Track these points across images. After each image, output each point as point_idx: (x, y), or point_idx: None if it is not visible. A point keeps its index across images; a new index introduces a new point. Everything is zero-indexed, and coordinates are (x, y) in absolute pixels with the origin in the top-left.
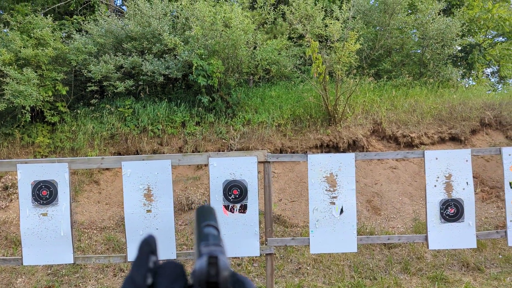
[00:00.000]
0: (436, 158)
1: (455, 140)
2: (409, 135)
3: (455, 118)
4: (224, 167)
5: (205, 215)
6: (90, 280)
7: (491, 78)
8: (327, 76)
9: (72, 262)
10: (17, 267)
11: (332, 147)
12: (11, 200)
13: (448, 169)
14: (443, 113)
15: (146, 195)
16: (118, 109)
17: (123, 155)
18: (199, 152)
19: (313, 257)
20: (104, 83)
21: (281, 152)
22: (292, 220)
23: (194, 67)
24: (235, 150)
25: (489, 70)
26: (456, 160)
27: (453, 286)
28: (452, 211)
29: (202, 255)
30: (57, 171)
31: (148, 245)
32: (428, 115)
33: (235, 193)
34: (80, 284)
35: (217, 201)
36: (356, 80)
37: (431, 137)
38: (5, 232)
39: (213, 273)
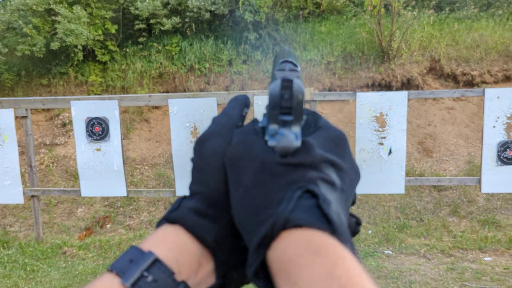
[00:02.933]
0: (498, 97)
1: None
2: (470, 73)
3: None
4: None
5: (284, 55)
6: (143, 212)
7: None
8: (382, 9)
9: (125, 195)
10: (77, 198)
11: (384, 86)
12: (69, 136)
13: (510, 108)
14: (511, 49)
15: (193, 133)
16: (165, 47)
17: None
18: (245, 91)
19: (358, 197)
20: (151, 21)
21: (329, 91)
22: None
23: (240, 1)
24: None
25: None
26: None
27: (505, 230)
28: (510, 153)
29: (276, 79)
30: (108, 108)
31: (245, 99)
32: (493, 50)
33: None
34: (134, 216)
35: None
36: (414, 13)
37: (495, 75)
38: (65, 166)
39: (287, 97)
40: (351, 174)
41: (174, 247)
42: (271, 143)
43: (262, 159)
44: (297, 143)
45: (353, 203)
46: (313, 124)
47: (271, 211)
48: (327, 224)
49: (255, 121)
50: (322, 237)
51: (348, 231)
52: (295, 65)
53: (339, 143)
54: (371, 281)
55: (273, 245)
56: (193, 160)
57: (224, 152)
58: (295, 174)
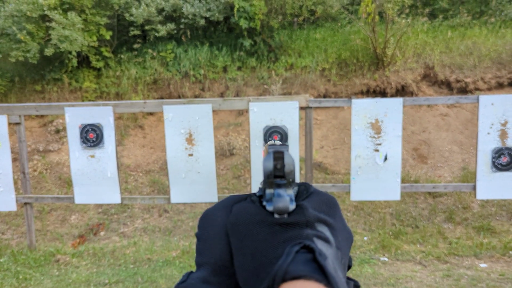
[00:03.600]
0: (492, 104)
1: None
2: (464, 80)
3: None
4: (265, 112)
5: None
6: (137, 219)
7: None
8: (377, 17)
9: (120, 202)
10: (71, 205)
11: (379, 93)
12: (63, 143)
13: (504, 115)
14: (504, 56)
15: (188, 139)
16: (160, 53)
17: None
18: (240, 97)
19: (354, 204)
20: (146, 27)
21: (324, 98)
22: (333, 167)
23: (235, 8)
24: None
25: None
26: None
27: (500, 236)
28: (505, 160)
29: (269, 153)
30: (102, 115)
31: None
32: (486, 58)
33: (275, 139)
34: (128, 223)
35: (257, 147)
36: (408, 20)
37: (488, 82)
38: (59, 173)
39: (279, 166)
40: (344, 233)
41: None
42: (268, 207)
43: (261, 220)
44: (292, 205)
45: (349, 267)
46: (305, 191)
47: (272, 267)
48: (323, 276)
49: (251, 195)
50: None
51: (345, 286)
52: (284, 143)
53: (331, 206)
54: None
55: None
56: (197, 234)
57: (226, 223)
58: (292, 232)
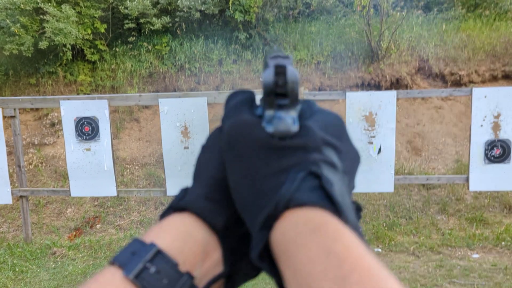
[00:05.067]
0: (485, 96)
1: (509, 78)
2: (458, 73)
3: (511, 54)
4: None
5: (274, 51)
6: (133, 212)
7: None
8: (371, 10)
9: (116, 195)
10: (66, 198)
11: (373, 86)
12: (58, 136)
13: (497, 108)
14: (498, 49)
15: (183, 132)
16: (155, 47)
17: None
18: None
19: None
20: (141, 20)
21: (319, 91)
22: None
23: (230, 1)
24: None
25: None
26: (507, 98)
27: (492, 227)
28: (497, 152)
29: (269, 66)
30: (98, 108)
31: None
32: (480, 51)
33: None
34: (124, 216)
35: None
36: (403, 13)
37: (482, 75)
38: (54, 166)
39: (281, 83)
40: (351, 156)
41: (179, 237)
42: (268, 129)
43: (264, 141)
44: (295, 127)
45: (353, 188)
46: (309, 110)
47: (274, 193)
48: (330, 204)
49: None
50: (323, 216)
51: (353, 212)
52: (287, 57)
53: (337, 126)
54: (370, 255)
55: (276, 226)
56: (203, 144)
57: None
58: (297, 156)
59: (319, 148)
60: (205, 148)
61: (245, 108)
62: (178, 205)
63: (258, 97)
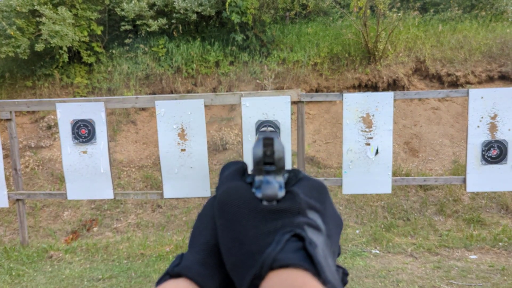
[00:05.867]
0: (482, 97)
1: (505, 79)
2: (454, 74)
3: (507, 55)
4: (257, 107)
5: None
6: (130, 215)
7: None
8: (368, 11)
9: (112, 197)
10: (63, 201)
11: (370, 87)
12: (55, 139)
13: (493, 108)
14: (494, 50)
15: (180, 135)
16: (152, 48)
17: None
18: (233, 92)
19: (346, 198)
20: (138, 22)
21: (316, 92)
22: (326, 161)
23: (227, 3)
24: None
25: None
26: (504, 99)
27: (490, 228)
28: (494, 152)
29: (259, 139)
30: (94, 110)
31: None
32: (476, 52)
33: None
34: (121, 218)
35: (249, 141)
36: (400, 14)
37: (479, 76)
38: (51, 169)
39: (269, 153)
40: (334, 220)
41: None
42: (257, 194)
43: (252, 205)
44: (281, 192)
45: (338, 254)
46: (295, 177)
47: (260, 254)
48: (311, 265)
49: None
50: (304, 277)
51: (335, 274)
52: (275, 130)
53: (321, 191)
54: None
55: (262, 286)
56: (199, 213)
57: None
58: (283, 220)
59: (304, 211)
60: (200, 216)
61: (237, 177)
62: (173, 271)
63: (250, 168)
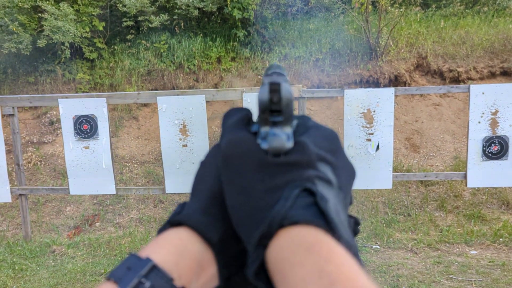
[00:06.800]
0: (483, 93)
1: (507, 74)
2: (456, 70)
3: (509, 50)
4: None
5: (271, 67)
6: (132, 210)
7: None
8: (370, 6)
9: (115, 193)
10: (66, 196)
11: (372, 83)
12: (57, 134)
13: (495, 104)
14: (496, 45)
15: (182, 130)
16: (154, 44)
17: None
18: (234, 88)
19: None
20: (139, 18)
21: (318, 88)
22: None
23: None
24: None
25: None
26: (505, 95)
27: (490, 224)
28: (495, 148)
29: (264, 84)
30: (96, 106)
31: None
32: (478, 47)
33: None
34: (123, 213)
35: None
36: (402, 10)
37: (480, 72)
38: (53, 165)
39: (276, 100)
40: (346, 170)
41: (174, 251)
42: (263, 145)
43: (259, 158)
44: (289, 143)
45: (350, 203)
46: (304, 125)
47: (268, 211)
48: (324, 221)
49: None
50: (317, 235)
51: (347, 229)
52: (282, 74)
53: (332, 141)
54: (363, 275)
55: (271, 244)
56: (201, 160)
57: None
58: (292, 173)
59: (314, 164)
60: (203, 164)
61: (241, 126)
62: (174, 220)
63: (255, 115)
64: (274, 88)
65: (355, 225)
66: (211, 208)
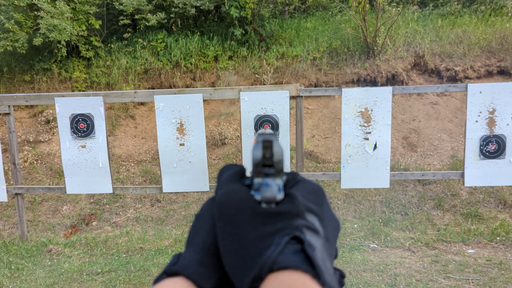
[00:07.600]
0: (480, 92)
1: (504, 73)
2: (453, 69)
3: (506, 49)
4: (256, 102)
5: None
6: (129, 209)
7: None
8: (367, 5)
9: (111, 192)
10: (62, 195)
11: (369, 82)
12: (53, 133)
13: (492, 103)
14: (493, 44)
15: (179, 129)
16: (151, 43)
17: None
18: (232, 87)
19: (344, 192)
20: (136, 16)
21: (315, 87)
22: (324, 156)
23: None
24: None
25: None
26: (502, 94)
27: (487, 223)
28: (492, 147)
29: (258, 142)
30: (93, 105)
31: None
32: (476, 46)
33: (266, 128)
34: (120, 213)
35: (248, 136)
36: (399, 9)
37: (477, 71)
38: (50, 164)
39: (268, 155)
40: (331, 223)
41: None
42: (256, 196)
43: (252, 208)
44: (280, 195)
45: (336, 256)
46: (293, 179)
47: (260, 256)
48: (310, 267)
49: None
50: (304, 279)
51: (333, 277)
52: (274, 135)
53: (318, 194)
54: None
55: (261, 287)
56: (196, 213)
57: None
58: (283, 222)
59: (303, 214)
60: (198, 217)
61: (236, 179)
62: (171, 270)
63: (248, 171)
64: (267, 145)
65: (340, 277)
66: (206, 258)
